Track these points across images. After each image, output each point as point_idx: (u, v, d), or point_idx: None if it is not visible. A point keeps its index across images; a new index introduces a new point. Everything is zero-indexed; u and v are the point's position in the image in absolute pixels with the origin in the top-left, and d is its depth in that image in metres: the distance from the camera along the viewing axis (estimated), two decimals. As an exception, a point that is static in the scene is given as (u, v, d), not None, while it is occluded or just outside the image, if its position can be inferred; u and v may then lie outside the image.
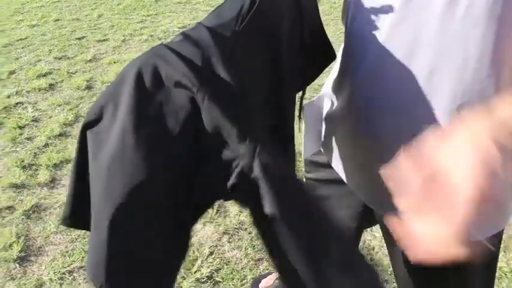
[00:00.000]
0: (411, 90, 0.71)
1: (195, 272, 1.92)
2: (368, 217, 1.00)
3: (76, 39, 4.61)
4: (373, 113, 0.79)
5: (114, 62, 4.02)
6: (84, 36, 4.67)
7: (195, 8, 5.79)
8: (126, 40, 4.59)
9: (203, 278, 1.89)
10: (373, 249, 2.09)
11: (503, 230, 0.87)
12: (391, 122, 0.77)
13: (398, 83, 0.74)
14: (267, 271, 1.91)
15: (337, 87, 0.91)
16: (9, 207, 2.30)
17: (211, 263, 1.97)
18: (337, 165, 0.98)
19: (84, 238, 2.10)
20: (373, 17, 0.72)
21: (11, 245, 2.06)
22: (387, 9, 0.70)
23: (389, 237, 1.01)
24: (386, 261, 2.05)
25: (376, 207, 0.93)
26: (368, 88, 0.79)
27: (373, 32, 0.73)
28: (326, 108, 0.98)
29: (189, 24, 5.11)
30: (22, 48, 4.40)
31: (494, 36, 0.63)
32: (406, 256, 0.96)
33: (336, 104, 0.91)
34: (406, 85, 0.72)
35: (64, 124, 3.05)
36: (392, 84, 0.75)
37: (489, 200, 0.80)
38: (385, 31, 0.72)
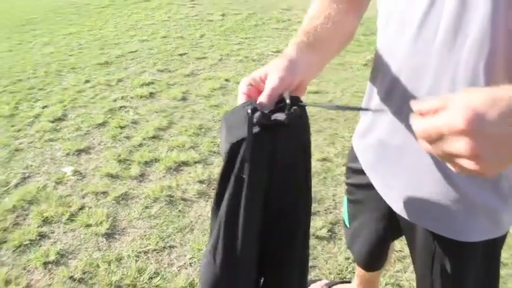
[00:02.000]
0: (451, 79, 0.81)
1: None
2: (393, 220, 1.13)
3: (178, 55, 5.07)
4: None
5: (209, 78, 4.39)
6: (186, 53, 5.12)
7: (291, 34, 6.09)
8: (222, 59, 4.97)
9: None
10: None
11: (502, 238, 0.97)
12: None
13: (438, 73, 0.82)
14: (317, 277, 2.05)
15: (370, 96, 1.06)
16: (103, 192, 2.66)
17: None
18: (369, 171, 1.13)
19: (161, 226, 2.39)
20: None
21: (101, 223, 2.40)
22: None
23: (408, 238, 1.13)
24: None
25: (398, 209, 1.06)
26: (404, 82, 0.89)
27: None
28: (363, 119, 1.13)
29: (283, 49, 5.39)
30: (131, 59, 4.94)
31: None
32: (419, 254, 1.07)
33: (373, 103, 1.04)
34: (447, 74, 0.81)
35: (158, 128, 3.41)
36: (431, 75, 0.83)
37: (479, 207, 0.90)
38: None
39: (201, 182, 2.77)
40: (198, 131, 3.38)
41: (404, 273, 2.08)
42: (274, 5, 7.17)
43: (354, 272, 1.88)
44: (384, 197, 1.08)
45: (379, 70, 0.99)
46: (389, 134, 1.00)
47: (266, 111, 0.73)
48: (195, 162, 2.97)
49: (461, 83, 0.79)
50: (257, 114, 0.71)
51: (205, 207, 2.56)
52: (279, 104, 0.75)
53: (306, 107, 0.76)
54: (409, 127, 0.91)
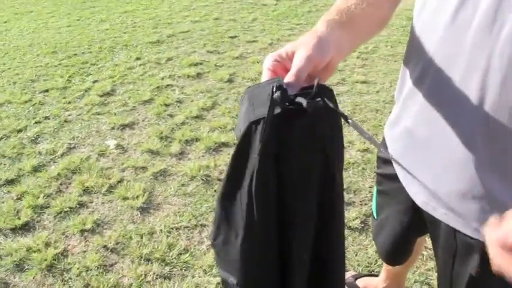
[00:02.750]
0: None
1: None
2: (417, 214, 1.09)
3: (229, 37, 5.08)
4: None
5: (258, 62, 4.37)
6: (237, 36, 5.12)
7: (344, 21, 5.96)
8: (273, 44, 4.93)
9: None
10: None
11: None
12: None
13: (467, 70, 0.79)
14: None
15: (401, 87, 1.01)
16: (142, 167, 2.72)
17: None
18: (395, 161, 1.09)
19: (195, 205, 2.41)
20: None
21: (137, 197, 2.45)
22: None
23: (431, 234, 1.08)
24: None
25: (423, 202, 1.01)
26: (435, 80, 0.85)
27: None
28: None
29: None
30: (182, 39, 4.99)
31: None
32: (441, 252, 1.02)
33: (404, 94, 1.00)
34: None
35: (202, 108, 3.44)
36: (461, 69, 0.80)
37: (504, 206, 0.85)
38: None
39: (239, 164, 2.76)
40: (240, 114, 3.37)
41: (436, 272, 2.00)
42: (330, -9, 7.04)
43: (382, 266, 1.83)
44: (407, 189, 1.04)
45: (412, 55, 0.94)
46: (416, 123, 0.95)
47: (291, 93, 0.68)
48: (235, 144, 2.96)
49: (494, 74, 0.74)
50: (279, 93, 0.67)
51: (241, 189, 2.56)
52: (306, 90, 0.70)
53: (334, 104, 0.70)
54: (437, 117, 0.87)
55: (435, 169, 0.93)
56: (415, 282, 1.92)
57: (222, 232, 0.80)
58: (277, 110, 0.67)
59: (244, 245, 0.76)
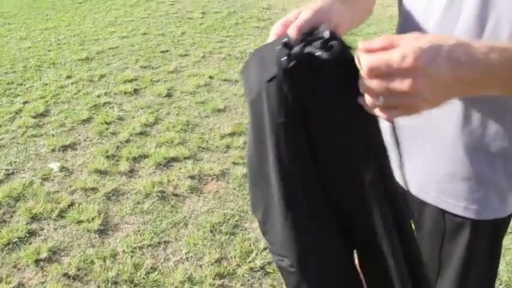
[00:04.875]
0: None
1: (249, 262, 2.11)
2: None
3: (160, 52, 5.02)
4: None
5: (194, 75, 4.35)
6: (168, 50, 5.07)
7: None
8: (205, 57, 4.94)
9: (256, 268, 2.08)
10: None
11: (507, 218, 0.99)
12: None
13: None
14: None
15: None
16: (93, 188, 2.61)
17: (264, 256, 2.15)
18: None
19: (154, 222, 2.36)
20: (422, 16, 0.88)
21: (93, 219, 2.35)
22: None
23: (416, 219, 1.15)
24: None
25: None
26: None
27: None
28: None
29: (264, 48, 5.40)
30: (113, 56, 4.86)
31: None
32: (427, 236, 1.09)
33: None
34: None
35: (145, 125, 3.37)
36: None
37: (491, 185, 0.93)
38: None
39: (192, 177, 2.74)
40: (185, 127, 3.35)
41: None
42: (253, 4, 7.18)
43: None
44: (399, 180, 1.10)
45: None
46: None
47: (297, 43, 0.63)
48: (185, 158, 2.94)
49: None
50: (285, 48, 0.63)
51: (198, 203, 2.54)
52: (311, 36, 0.65)
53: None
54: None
55: (426, 156, 0.99)
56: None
57: (260, 209, 0.76)
58: (291, 63, 0.63)
59: (285, 221, 0.72)
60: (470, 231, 1.00)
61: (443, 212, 1.02)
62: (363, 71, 0.59)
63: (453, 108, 0.89)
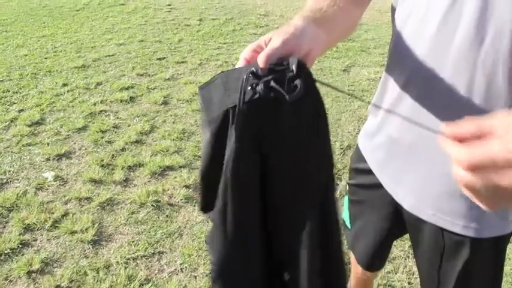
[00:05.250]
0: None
1: (244, 273, 2.08)
2: (398, 219, 1.13)
3: (157, 59, 5.00)
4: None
5: (190, 83, 4.34)
6: (165, 57, 5.06)
7: (269, 39, 6.09)
8: (202, 64, 4.93)
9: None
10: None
11: (509, 235, 0.97)
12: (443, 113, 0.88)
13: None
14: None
15: (384, 90, 1.05)
16: (87, 198, 2.59)
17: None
18: (378, 169, 1.13)
19: (149, 232, 2.33)
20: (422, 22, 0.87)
21: (86, 229, 2.32)
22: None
23: (413, 236, 1.13)
24: None
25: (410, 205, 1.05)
26: (421, 81, 0.89)
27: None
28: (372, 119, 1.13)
29: (262, 54, 5.39)
30: (109, 63, 4.84)
31: None
32: (425, 253, 1.07)
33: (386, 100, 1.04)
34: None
35: (140, 133, 3.35)
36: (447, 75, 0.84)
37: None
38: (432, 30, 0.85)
39: (187, 186, 2.72)
40: (181, 136, 3.33)
41: (395, 274, 2.09)
42: (251, 11, 7.18)
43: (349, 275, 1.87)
44: (393, 195, 1.08)
45: (397, 64, 0.98)
46: (402, 131, 1.00)
47: (265, 74, 0.64)
48: (180, 167, 2.92)
49: (478, 81, 0.81)
50: (250, 78, 0.64)
51: (193, 212, 2.51)
52: (279, 67, 0.65)
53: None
54: (424, 123, 0.92)
55: (422, 172, 0.97)
56: (378, 286, 1.98)
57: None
58: (254, 96, 0.65)
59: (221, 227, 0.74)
60: (470, 250, 0.98)
61: (442, 230, 1.00)
62: (459, 162, 0.52)
63: (449, 122, 0.87)
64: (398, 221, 1.15)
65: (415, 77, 0.91)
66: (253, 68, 0.65)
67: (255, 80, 0.64)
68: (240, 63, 0.71)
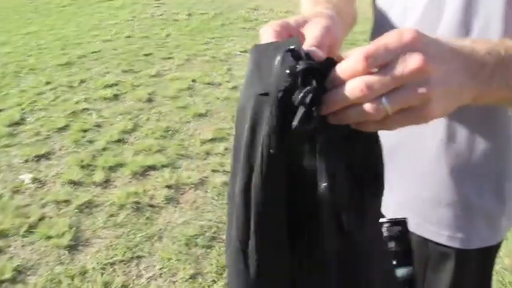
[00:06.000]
0: None
1: (225, 278, 2.01)
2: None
3: (143, 55, 4.91)
4: None
5: (176, 79, 4.25)
6: (151, 53, 4.96)
7: (258, 34, 5.99)
8: (189, 59, 4.84)
9: (232, 284, 1.98)
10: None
11: (498, 245, 0.91)
12: None
13: None
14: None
15: None
16: (65, 201, 2.51)
17: (241, 271, 2.06)
18: None
19: (128, 235, 2.26)
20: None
21: (63, 234, 2.24)
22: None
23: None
24: None
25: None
26: None
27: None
28: None
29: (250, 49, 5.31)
30: (95, 60, 4.75)
31: None
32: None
33: None
34: None
35: (123, 132, 3.26)
36: None
37: (478, 212, 0.85)
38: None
39: (168, 187, 2.65)
40: (165, 134, 3.25)
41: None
42: (241, 5, 7.08)
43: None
44: None
45: None
46: (382, 132, 0.92)
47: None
48: (163, 166, 2.85)
49: None
50: (291, 61, 0.46)
51: (174, 214, 2.44)
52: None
53: None
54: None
55: (406, 178, 0.90)
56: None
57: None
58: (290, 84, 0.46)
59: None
60: (455, 262, 0.91)
61: (426, 240, 0.93)
62: (350, 68, 0.44)
63: (436, 125, 0.79)
64: None
65: None
66: (294, 46, 0.47)
67: (294, 62, 0.46)
68: (268, 37, 0.54)
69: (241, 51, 5.19)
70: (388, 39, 0.44)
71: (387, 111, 0.44)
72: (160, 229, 2.32)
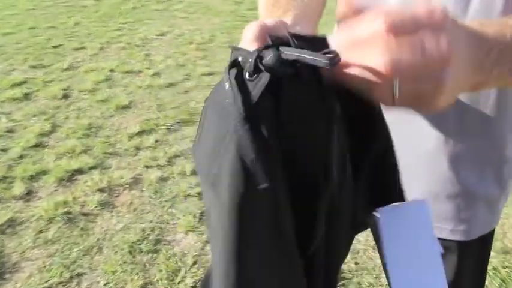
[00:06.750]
0: None
1: (178, 283, 1.87)
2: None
3: (52, 47, 4.52)
4: None
5: (92, 70, 3.95)
6: (61, 45, 4.58)
7: (173, 15, 5.75)
8: (103, 48, 4.52)
9: (187, 289, 1.84)
10: (358, 252, 2.07)
11: (493, 229, 0.86)
12: None
13: None
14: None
15: None
16: (-18, 222, 2.22)
17: (195, 273, 1.92)
18: None
19: (63, 252, 2.04)
20: None
21: (-16, 262, 1.98)
22: None
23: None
24: (371, 264, 2.03)
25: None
26: None
27: None
28: None
29: (167, 32, 5.07)
30: (-4, 57, 4.29)
31: None
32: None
33: None
34: None
35: (40, 134, 2.96)
36: None
37: (480, 199, 0.80)
38: None
39: (100, 190, 2.43)
40: (87, 132, 2.99)
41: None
42: (150, -15, 6.73)
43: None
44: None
45: None
46: None
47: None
48: (90, 168, 2.61)
49: None
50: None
51: (111, 220, 2.24)
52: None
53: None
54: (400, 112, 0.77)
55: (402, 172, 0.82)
56: None
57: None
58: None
59: None
60: (458, 255, 0.86)
61: None
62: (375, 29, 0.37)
63: (440, 116, 0.74)
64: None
65: None
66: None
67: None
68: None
69: (157, 35, 4.95)
70: (415, 12, 0.38)
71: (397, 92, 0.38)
72: (98, 239, 2.11)
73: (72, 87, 3.64)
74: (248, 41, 0.45)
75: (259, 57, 0.42)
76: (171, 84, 3.74)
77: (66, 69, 3.98)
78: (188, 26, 5.34)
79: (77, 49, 4.46)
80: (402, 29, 0.37)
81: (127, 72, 3.92)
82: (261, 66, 0.42)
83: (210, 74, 4.00)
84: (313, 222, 0.52)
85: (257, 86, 0.42)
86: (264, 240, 0.48)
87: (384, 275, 1.98)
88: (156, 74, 3.92)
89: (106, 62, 4.13)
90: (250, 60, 0.42)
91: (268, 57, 0.41)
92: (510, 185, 0.84)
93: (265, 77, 0.42)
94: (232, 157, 0.43)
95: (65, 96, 3.49)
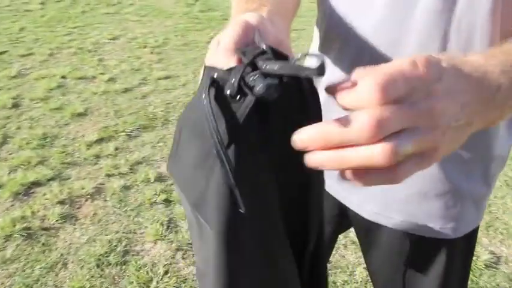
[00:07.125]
0: None
1: (151, 295, 1.80)
2: (343, 221, 0.97)
3: (-3, 54, 4.30)
4: None
5: (42, 77, 3.78)
6: (6, 51, 4.36)
7: (125, 18, 5.61)
8: (53, 54, 4.34)
9: (160, 301, 1.78)
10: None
11: (478, 226, 0.87)
12: None
13: None
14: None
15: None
16: None
17: (167, 282, 1.86)
18: None
19: (24, 271, 1.92)
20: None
21: None
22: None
23: (365, 238, 0.97)
24: (344, 262, 2.04)
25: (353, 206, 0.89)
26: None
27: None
28: None
29: (120, 36, 4.94)
30: None
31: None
32: (385, 257, 0.94)
33: None
34: None
35: (-10, 147, 2.80)
36: None
37: (468, 197, 0.80)
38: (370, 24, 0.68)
39: (61, 202, 2.32)
40: (42, 142, 2.85)
41: None
42: (99, -12, 6.55)
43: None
44: (347, 202, 0.89)
45: (335, 42, 0.78)
46: None
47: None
48: (49, 180, 2.49)
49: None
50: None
51: (74, 233, 2.14)
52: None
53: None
54: None
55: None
56: None
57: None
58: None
59: None
60: (446, 253, 0.86)
61: (406, 234, 0.85)
62: (359, 101, 0.36)
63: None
64: (344, 223, 0.99)
65: (363, 57, 0.70)
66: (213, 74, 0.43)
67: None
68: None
69: (110, 39, 4.81)
70: (402, 67, 0.36)
71: (404, 153, 0.36)
72: (62, 254, 2.01)
73: (23, 95, 3.47)
74: (225, 47, 0.43)
75: (242, 78, 0.40)
76: (127, 90, 3.64)
77: (15, 77, 3.79)
78: (141, 29, 5.23)
79: (24, 55, 4.27)
80: (394, 90, 0.35)
81: (80, 78, 3.78)
82: (246, 90, 0.40)
83: (166, 77, 3.92)
84: (306, 228, 0.56)
85: (241, 108, 0.41)
86: (256, 268, 0.48)
87: (357, 272, 1.99)
88: (111, 80, 3.80)
89: (57, 68, 3.96)
90: (233, 80, 0.41)
91: (252, 78, 0.40)
92: (495, 182, 0.84)
93: (250, 100, 0.41)
94: (218, 180, 0.42)
95: (15, 106, 3.32)
